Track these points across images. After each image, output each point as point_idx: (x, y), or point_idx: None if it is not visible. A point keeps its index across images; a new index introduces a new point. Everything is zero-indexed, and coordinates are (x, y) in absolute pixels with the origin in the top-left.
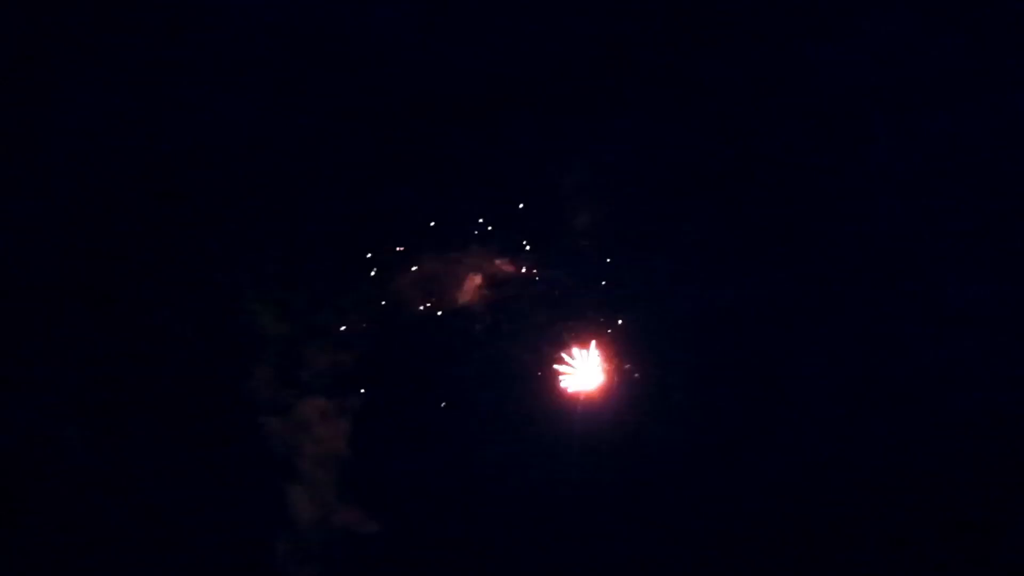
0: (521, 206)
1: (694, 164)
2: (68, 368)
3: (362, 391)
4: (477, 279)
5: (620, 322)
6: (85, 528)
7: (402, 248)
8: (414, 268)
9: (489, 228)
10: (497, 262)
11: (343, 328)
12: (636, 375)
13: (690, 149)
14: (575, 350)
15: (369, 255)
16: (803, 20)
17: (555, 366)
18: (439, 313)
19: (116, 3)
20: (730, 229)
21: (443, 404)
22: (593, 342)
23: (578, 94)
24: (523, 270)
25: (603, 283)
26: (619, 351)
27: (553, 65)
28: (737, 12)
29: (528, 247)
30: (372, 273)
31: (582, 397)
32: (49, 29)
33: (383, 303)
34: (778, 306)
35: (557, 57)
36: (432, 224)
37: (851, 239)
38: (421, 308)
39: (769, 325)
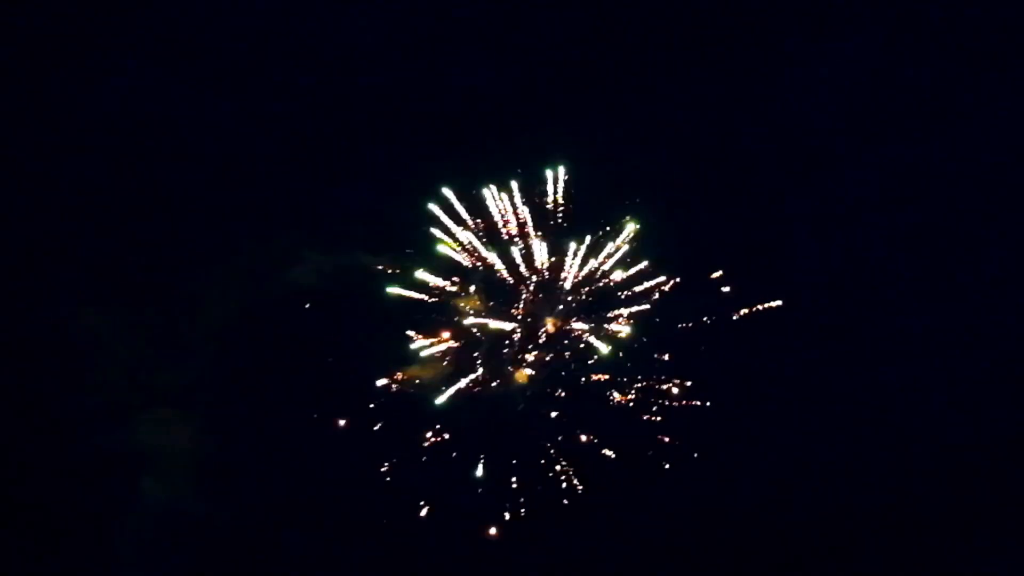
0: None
1: (669, 184)
2: None
3: (217, 397)
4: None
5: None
6: None
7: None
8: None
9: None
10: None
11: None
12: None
13: (664, 170)
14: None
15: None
16: (777, 44)
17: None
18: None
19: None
20: (701, 248)
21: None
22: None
23: (558, 108)
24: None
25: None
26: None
27: (528, 81)
28: (712, 36)
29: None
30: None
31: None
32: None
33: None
34: (745, 324)
35: (534, 74)
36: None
37: (817, 261)
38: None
39: (739, 340)
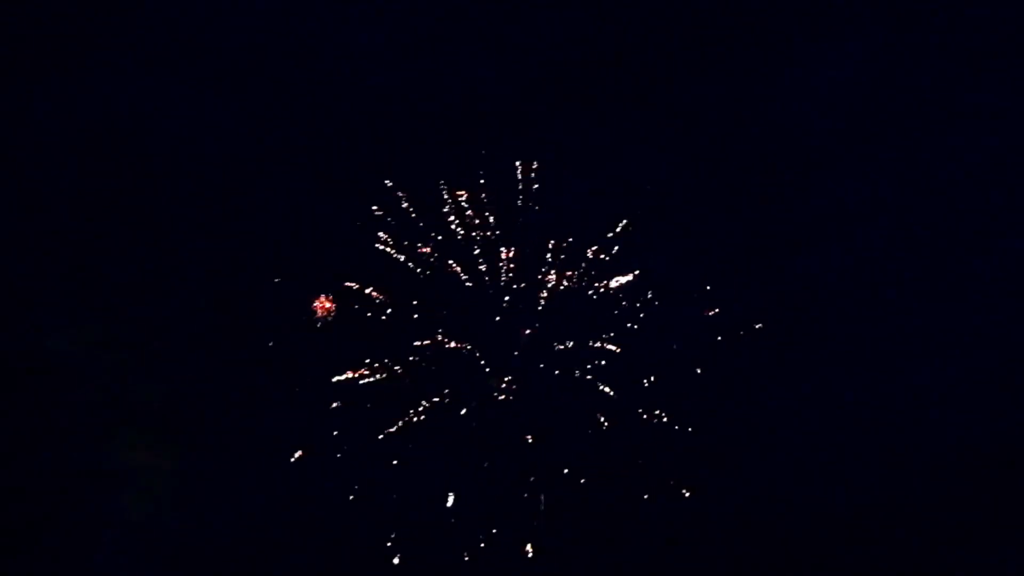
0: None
1: (665, 188)
2: None
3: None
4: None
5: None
6: None
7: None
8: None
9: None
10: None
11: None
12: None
13: (661, 174)
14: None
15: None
16: (773, 46)
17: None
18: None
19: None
20: (699, 252)
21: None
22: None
23: (552, 115)
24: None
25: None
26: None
27: (525, 87)
28: (710, 39)
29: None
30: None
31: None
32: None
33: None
34: (745, 327)
35: (530, 79)
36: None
37: (816, 265)
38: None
39: (736, 347)
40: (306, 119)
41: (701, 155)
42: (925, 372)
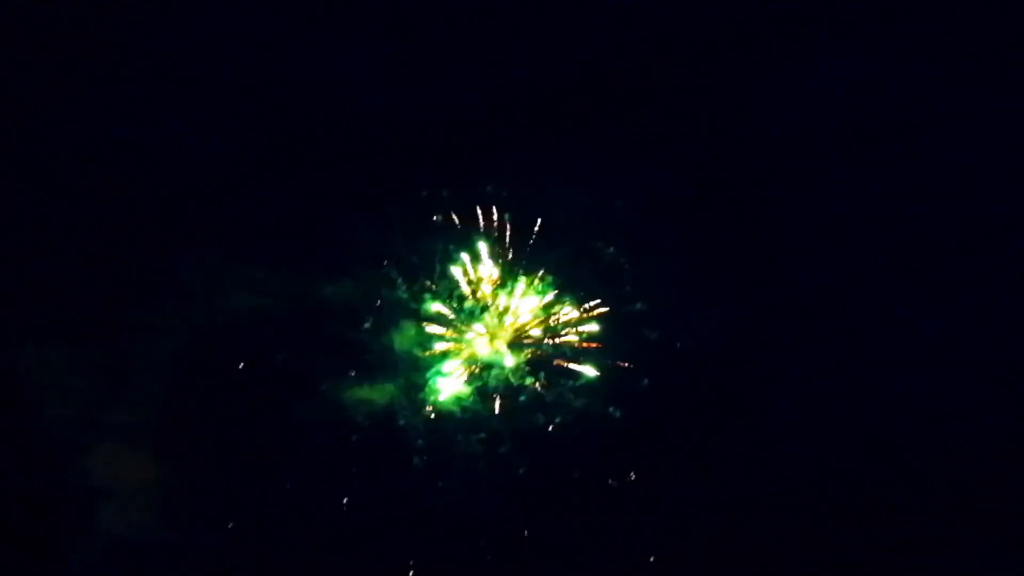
0: None
1: (656, 202)
2: None
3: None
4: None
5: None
6: None
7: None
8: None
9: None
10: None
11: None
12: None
13: (651, 188)
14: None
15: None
16: (767, 53)
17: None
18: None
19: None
20: (691, 266)
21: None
22: None
23: (548, 124)
24: None
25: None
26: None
27: (512, 110)
28: (710, 41)
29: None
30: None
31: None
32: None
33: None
34: (737, 342)
35: (515, 102)
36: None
37: (817, 267)
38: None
39: (729, 360)
40: (299, 139)
41: (701, 157)
42: (924, 374)
